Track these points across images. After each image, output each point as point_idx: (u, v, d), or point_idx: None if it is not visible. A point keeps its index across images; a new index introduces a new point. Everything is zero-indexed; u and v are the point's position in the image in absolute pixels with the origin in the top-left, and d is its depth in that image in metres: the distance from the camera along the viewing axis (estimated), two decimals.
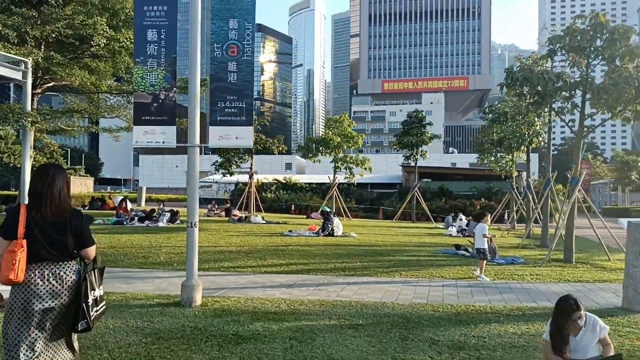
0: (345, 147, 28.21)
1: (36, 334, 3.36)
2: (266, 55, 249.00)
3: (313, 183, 39.29)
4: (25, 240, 3.28)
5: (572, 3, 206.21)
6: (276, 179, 39.82)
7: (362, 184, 34.50)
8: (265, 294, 8.08)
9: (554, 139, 20.41)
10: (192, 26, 7.37)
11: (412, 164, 30.42)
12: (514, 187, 24.00)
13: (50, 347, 3.44)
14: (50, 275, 3.36)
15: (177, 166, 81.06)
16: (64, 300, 3.41)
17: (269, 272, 10.18)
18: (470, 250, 13.53)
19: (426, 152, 30.25)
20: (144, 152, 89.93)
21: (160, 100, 7.41)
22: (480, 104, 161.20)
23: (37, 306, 3.33)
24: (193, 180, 7.35)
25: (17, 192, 34.78)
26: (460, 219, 21.44)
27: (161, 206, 21.08)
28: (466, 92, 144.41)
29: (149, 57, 7.46)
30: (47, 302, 3.35)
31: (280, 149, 30.28)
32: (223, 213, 25.77)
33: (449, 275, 10.22)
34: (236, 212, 26.82)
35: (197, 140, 7.39)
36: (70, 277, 3.44)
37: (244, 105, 7.36)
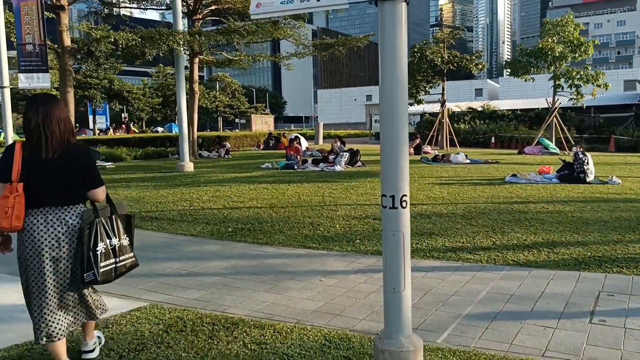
0: (569, 58, 21.32)
1: (52, 289, 2.99)
2: None
3: (517, 110, 32.40)
4: (22, 183, 2.86)
5: None
6: (470, 107, 33.76)
7: (582, 108, 26.96)
8: (559, 341, 3.49)
9: None
10: None
11: None
12: None
13: (70, 303, 3.09)
14: (55, 220, 2.96)
15: (355, 99, 77.94)
16: (70, 247, 3.00)
17: (522, 262, 5.56)
18: None
19: None
20: (323, 87, 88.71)
21: None
22: None
23: (45, 256, 2.93)
24: (396, 83, 2.82)
25: (215, 134, 34.14)
26: None
27: (338, 144, 17.34)
28: None
29: None
30: (54, 251, 2.95)
31: (480, 67, 24.47)
32: (412, 150, 21.30)
33: None
34: (428, 148, 22.19)
35: None
36: (74, 221, 3.01)
37: None
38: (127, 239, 3.24)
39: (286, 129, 68.27)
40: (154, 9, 21.48)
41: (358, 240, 6.68)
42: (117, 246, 3.15)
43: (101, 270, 3.02)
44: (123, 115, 55.83)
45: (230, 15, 19.83)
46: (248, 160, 20.24)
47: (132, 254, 3.27)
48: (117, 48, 16.04)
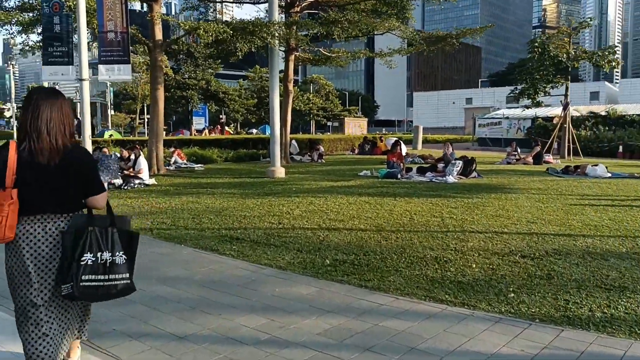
0: None
1: (40, 304, 2.67)
2: None
3: None
4: (16, 189, 2.55)
5: None
6: (592, 112, 29.86)
7: None
8: None
9: None
10: None
11: None
12: None
13: (59, 320, 2.76)
14: (42, 229, 2.64)
15: (453, 102, 74.07)
16: (56, 258, 2.68)
17: None
18: None
19: None
20: (417, 90, 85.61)
21: None
22: None
23: (31, 268, 2.63)
24: None
25: (307, 136, 32.78)
26: None
27: (450, 150, 15.10)
28: None
29: None
30: (42, 264, 2.65)
31: (614, 63, 21.07)
32: (530, 159, 18.55)
33: None
34: (549, 158, 19.30)
35: None
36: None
37: None
38: (124, 257, 2.78)
39: (378, 132, 66.23)
40: (250, 3, 20.36)
41: (512, 294, 4.62)
42: (108, 262, 2.72)
43: (82, 284, 2.63)
44: (221, 116, 56.44)
45: (330, 7, 18.20)
46: (343, 165, 18.52)
47: (127, 274, 2.79)
48: (209, 44, 14.99)
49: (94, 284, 2.66)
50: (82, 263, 2.63)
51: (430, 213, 8.36)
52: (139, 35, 14.10)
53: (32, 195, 2.60)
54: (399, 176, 13.41)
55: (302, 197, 10.15)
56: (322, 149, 21.63)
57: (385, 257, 5.82)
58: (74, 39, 9.82)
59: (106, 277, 2.69)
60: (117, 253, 2.75)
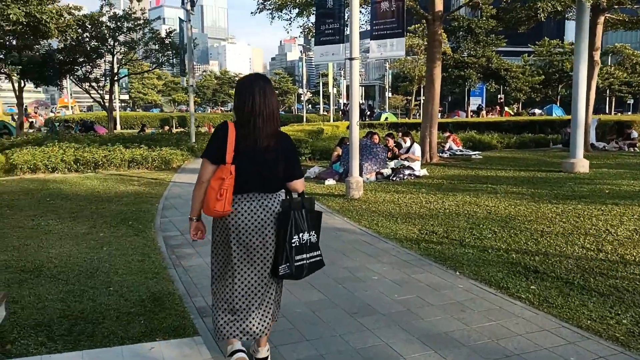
0: None
1: (254, 281, 2.84)
2: None
3: None
4: (234, 166, 2.70)
5: None
6: None
7: None
8: None
9: None
10: None
11: None
12: None
13: (252, 298, 2.84)
14: (259, 207, 2.78)
15: None
16: (273, 236, 2.81)
17: None
18: None
19: None
20: None
21: None
22: None
23: (234, 243, 2.77)
24: None
25: (610, 117, 27.43)
26: None
27: None
28: None
29: None
30: (255, 238, 2.78)
31: None
32: None
33: None
34: None
35: None
36: (276, 209, 2.82)
37: None
38: (315, 235, 2.94)
39: None
40: None
41: None
42: (308, 241, 2.88)
43: (295, 264, 2.82)
44: (499, 96, 52.51)
45: None
46: None
47: (319, 251, 2.96)
48: (493, 16, 12.71)
49: (300, 263, 2.83)
50: (292, 244, 2.79)
51: None
52: (417, 6, 12.73)
53: (244, 175, 2.72)
54: None
55: (623, 206, 7.36)
56: (635, 134, 17.17)
57: None
58: (345, 15, 8.95)
59: (307, 255, 2.86)
60: (312, 232, 2.88)
